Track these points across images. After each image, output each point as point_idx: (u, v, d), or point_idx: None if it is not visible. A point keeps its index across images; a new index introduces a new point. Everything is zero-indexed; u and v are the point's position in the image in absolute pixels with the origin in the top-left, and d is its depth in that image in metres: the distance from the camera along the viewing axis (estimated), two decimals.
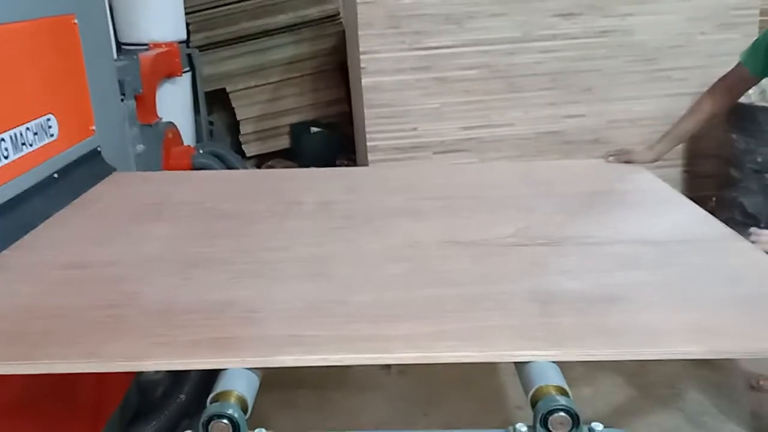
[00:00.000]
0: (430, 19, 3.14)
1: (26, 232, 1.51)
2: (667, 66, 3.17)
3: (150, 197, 1.80)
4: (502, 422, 2.29)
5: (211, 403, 0.94)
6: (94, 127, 1.97)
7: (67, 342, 1.06)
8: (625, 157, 2.06)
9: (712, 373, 2.46)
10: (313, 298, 1.19)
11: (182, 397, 2.09)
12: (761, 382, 2.28)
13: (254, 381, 1.00)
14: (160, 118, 3.29)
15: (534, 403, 0.94)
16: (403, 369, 2.53)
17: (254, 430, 0.93)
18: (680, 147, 3.28)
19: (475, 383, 2.45)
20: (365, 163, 3.56)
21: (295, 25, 4.76)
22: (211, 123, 4.62)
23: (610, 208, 1.69)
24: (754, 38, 2.12)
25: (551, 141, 3.31)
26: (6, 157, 1.51)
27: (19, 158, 1.57)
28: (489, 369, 2.47)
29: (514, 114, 3.30)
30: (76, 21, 1.90)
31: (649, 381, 2.44)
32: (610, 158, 2.08)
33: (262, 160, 5.00)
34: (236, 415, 0.91)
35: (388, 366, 2.51)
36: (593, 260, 1.34)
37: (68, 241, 1.50)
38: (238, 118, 4.88)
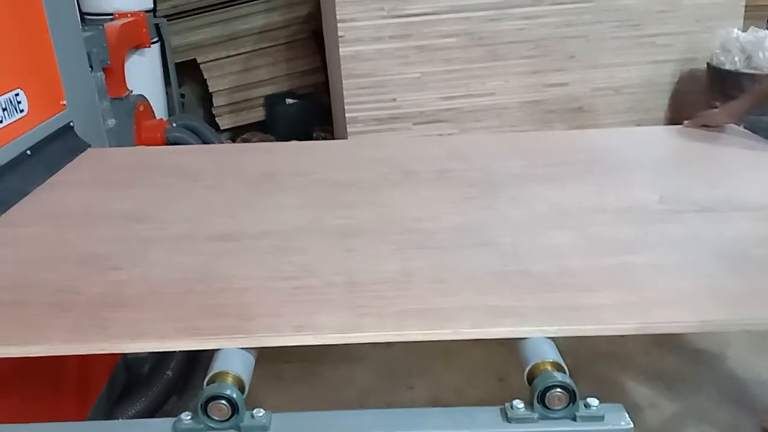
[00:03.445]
0: None
1: (3, 211, 1.44)
2: (651, 32, 3.15)
3: (255, 168, 1.73)
4: (486, 394, 2.33)
5: (207, 384, 0.91)
6: (65, 102, 1.88)
7: (274, 313, 1.04)
8: (701, 121, 2.03)
9: (688, 341, 2.49)
10: (493, 268, 1.17)
11: (169, 373, 2.06)
12: None
13: (250, 361, 0.99)
14: (131, 91, 3.17)
15: (531, 380, 0.93)
16: (389, 341, 2.52)
17: (252, 409, 0.91)
18: (662, 115, 3.29)
19: (458, 354, 2.46)
20: (343, 136, 3.50)
21: None
22: (182, 95, 4.48)
23: (734, 170, 1.65)
24: (742, 3, 2.09)
25: (533, 110, 3.29)
26: None
27: None
28: (469, 339, 2.47)
29: (495, 83, 3.26)
30: None
31: (627, 350, 2.47)
32: (686, 123, 2.05)
33: (236, 133, 4.88)
34: (234, 396, 0.89)
35: None
36: (759, 224, 1.31)
37: (200, 213, 1.45)
38: (210, 90, 4.74)
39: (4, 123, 1.57)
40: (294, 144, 2.18)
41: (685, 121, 2.06)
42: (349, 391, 2.32)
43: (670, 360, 2.41)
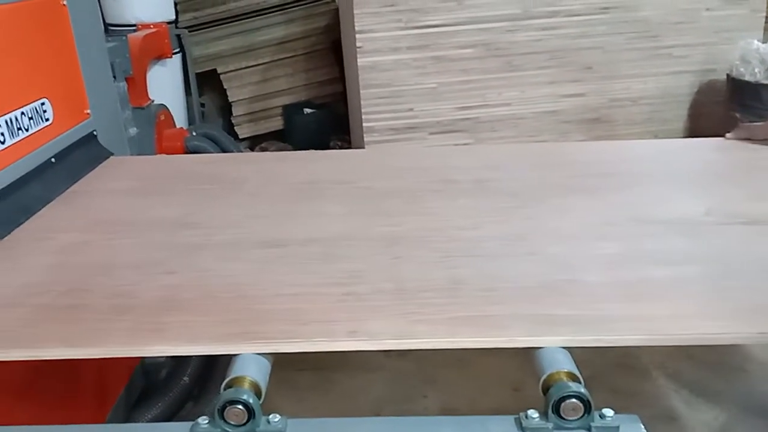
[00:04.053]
0: None
1: (27, 217, 1.47)
2: (669, 43, 3.14)
3: (296, 176, 1.75)
4: (500, 404, 2.33)
5: (224, 389, 0.92)
6: (88, 111, 1.92)
7: (327, 318, 1.05)
8: (745, 134, 2.01)
9: (707, 354, 2.46)
10: (543, 278, 1.16)
11: (185, 379, 2.09)
12: None
13: (266, 366, 0.99)
14: (152, 101, 3.22)
15: (545, 390, 0.93)
16: (403, 350, 2.53)
17: (268, 414, 0.92)
18: (680, 126, 3.27)
19: (472, 364, 2.45)
20: (360, 145, 3.52)
21: (285, 4, 4.67)
22: (202, 105, 4.54)
23: None
24: (762, 14, 2.08)
25: (549, 120, 3.28)
26: (2, 142, 1.47)
27: (16, 143, 1.53)
28: (483, 349, 2.47)
29: (511, 93, 3.27)
30: (65, 2, 1.83)
31: (645, 362, 2.45)
32: (729, 135, 2.04)
33: (254, 142, 4.94)
34: (251, 401, 0.90)
35: None
36: None
37: (245, 220, 1.46)
38: (230, 100, 4.80)
39: (30, 131, 1.60)
40: (330, 152, 2.20)
41: (728, 134, 2.03)
42: (362, 400, 2.33)
43: (690, 373, 2.38)
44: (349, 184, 1.68)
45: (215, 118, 4.87)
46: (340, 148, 4.50)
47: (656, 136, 3.36)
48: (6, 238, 1.40)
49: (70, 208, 1.58)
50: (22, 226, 1.45)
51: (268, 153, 2.28)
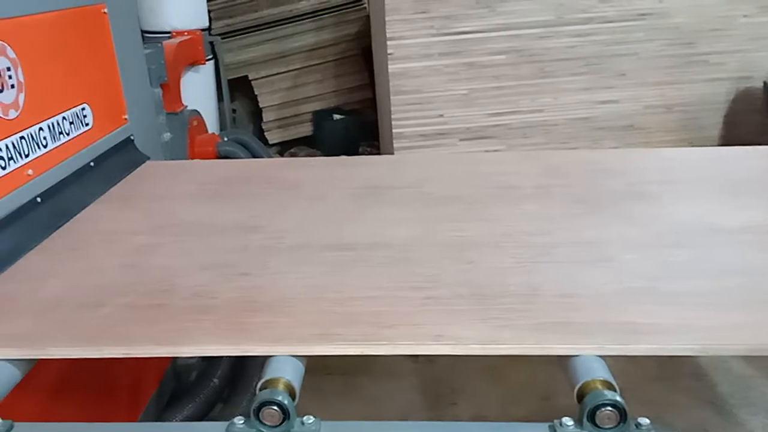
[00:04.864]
0: (459, 3, 3.08)
1: (67, 219, 1.50)
2: (704, 50, 3.09)
3: (352, 181, 1.76)
4: (531, 412, 2.30)
5: (260, 390, 0.94)
6: (126, 116, 1.95)
7: (410, 322, 1.05)
8: None
9: (745, 366, 2.41)
10: (619, 285, 1.15)
11: (215, 381, 2.10)
12: None
13: (300, 368, 1.00)
14: (185, 106, 3.27)
15: (580, 398, 0.92)
16: (431, 356, 2.52)
17: (302, 416, 0.93)
18: (716, 134, 3.21)
19: (501, 372, 2.43)
20: (390, 150, 3.53)
21: (316, 11, 4.72)
22: (233, 110, 4.59)
23: None
24: None
25: (582, 127, 3.25)
26: (45, 146, 1.51)
27: (57, 147, 1.56)
28: (514, 358, 2.45)
29: (543, 100, 3.24)
30: (105, 10, 1.88)
31: (679, 372, 2.40)
32: None
33: (284, 148, 4.98)
34: (286, 402, 0.91)
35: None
36: None
37: (311, 223, 1.48)
38: (260, 106, 4.85)
39: (71, 135, 1.64)
40: (384, 157, 2.20)
41: None
42: (390, 406, 2.32)
43: (726, 384, 2.33)
44: (408, 189, 1.68)
45: (246, 124, 4.92)
46: (369, 154, 4.52)
47: (691, 144, 3.30)
48: (77, 240, 1.43)
49: (133, 211, 1.60)
50: (89, 228, 1.49)
51: (320, 158, 2.28)
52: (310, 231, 1.43)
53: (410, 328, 1.03)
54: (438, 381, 2.45)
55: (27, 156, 1.44)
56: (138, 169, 1.89)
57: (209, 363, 2.15)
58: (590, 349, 0.98)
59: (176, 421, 2.00)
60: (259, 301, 1.13)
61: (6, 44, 1.39)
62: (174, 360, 2.13)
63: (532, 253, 1.29)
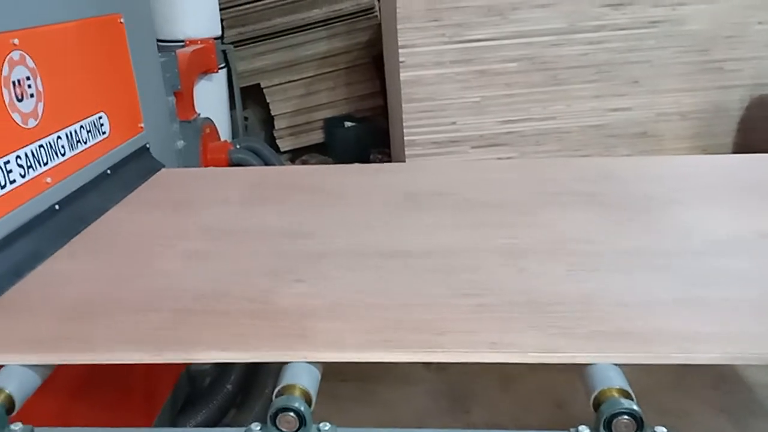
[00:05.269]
0: (472, 11, 3.09)
1: (85, 226, 1.52)
2: (719, 57, 3.08)
3: (391, 187, 1.75)
4: (544, 420, 2.29)
5: (276, 396, 0.94)
6: (142, 124, 1.97)
7: (464, 329, 1.05)
8: None
9: (759, 373, 2.39)
10: (675, 293, 1.15)
11: (229, 387, 2.11)
12: None
13: (316, 375, 1.01)
14: (198, 114, 3.29)
15: (597, 406, 0.92)
16: (444, 364, 2.52)
17: (318, 423, 0.93)
18: (730, 141, 3.19)
19: (514, 380, 2.42)
20: (401, 158, 3.53)
21: (329, 19, 4.74)
22: (245, 118, 4.62)
23: None
24: None
25: (595, 134, 3.25)
26: (63, 154, 1.53)
27: (75, 155, 1.58)
28: (526, 365, 2.45)
29: (556, 107, 3.24)
30: (122, 20, 1.90)
31: (696, 381, 2.39)
32: None
33: (295, 155, 5.00)
34: (302, 409, 0.91)
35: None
36: None
37: (356, 230, 1.47)
38: (272, 114, 4.88)
39: (89, 144, 1.66)
40: (421, 164, 2.19)
41: None
42: (405, 413, 2.32)
43: (740, 393, 2.31)
44: (449, 196, 1.67)
45: (258, 131, 4.95)
46: (380, 161, 4.53)
47: (705, 151, 3.28)
48: (125, 244, 1.44)
49: (179, 216, 1.61)
50: (132, 232, 1.50)
51: (356, 165, 2.28)
52: (358, 237, 1.43)
53: (465, 335, 1.03)
54: (451, 388, 2.45)
55: (45, 164, 1.46)
56: (154, 176, 1.90)
57: (223, 368, 2.16)
58: (651, 357, 0.98)
59: (190, 426, 2.01)
60: (315, 306, 1.14)
61: (26, 54, 1.41)
62: (188, 365, 2.14)
63: (582, 261, 1.28)
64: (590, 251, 1.32)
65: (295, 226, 1.50)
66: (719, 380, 2.38)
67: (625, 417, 0.88)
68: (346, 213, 1.58)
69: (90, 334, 1.08)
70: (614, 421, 0.89)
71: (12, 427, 0.93)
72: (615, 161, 2.40)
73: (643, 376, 2.32)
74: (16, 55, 1.38)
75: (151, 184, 1.85)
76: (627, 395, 0.92)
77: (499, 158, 3.29)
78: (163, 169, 1.98)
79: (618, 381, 0.94)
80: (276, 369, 1.02)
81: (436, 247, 1.37)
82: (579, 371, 1.00)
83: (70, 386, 1.43)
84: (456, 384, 2.46)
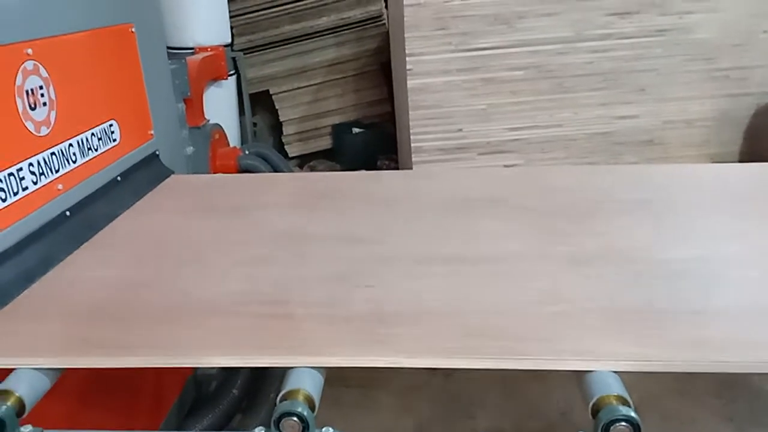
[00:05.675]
0: (478, 20, 3.11)
1: (95, 232, 1.55)
2: (726, 65, 3.08)
3: (442, 193, 1.75)
4: (548, 427, 2.29)
5: (280, 401, 0.96)
6: (152, 132, 2.00)
7: (542, 336, 1.05)
8: None
9: (763, 380, 2.38)
10: (747, 301, 1.15)
11: (235, 392, 2.11)
12: None
13: (319, 380, 1.02)
14: (207, 120, 3.32)
15: (595, 413, 0.93)
16: (449, 370, 2.52)
17: (321, 428, 0.95)
18: (737, 149, 3.19)
19: (518, 387, 2.42)
20: (408, 165, 3.55)
21: (337, 27, 4.77)
22: (254, 124, 4.65)
23: None
24: None
25: (601, 142, 3.25)
26: (74, 162, 1.55)
27: (86, 162, 1.61)
28: (530, 372, 2.45)
29: (562, 115, 3.25)
30: (133, 30, 1.93)
31: (699, 388, 2.38)
32: None
33: (303, 161, 5.03)
34: (305, 413, 0.93)
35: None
36: None
37: (412, 236, 1.47)
38: (281, 120, 4.91)
39: (99, 151, 1.68)
40: (466, 171, 2.18)
41: None
42: (407, 419, 2.32)
43: (745, 401, 2.31)
44: (502, 203, 1.66)
45: (266, 137, 4.98)
46: (388, 167, 4.54)
47: (712, 159, 3.28)
48: (191, 248, 1.45)
49: (242, 222, 1.61)
50: (191, 239, 1.51)
51: (400, 171, 2.27)
52: (418, 243, 1.42)
53: (544, 344, 1.03)
54: (455, 394, 2.45)
55: (57, 171, 1.48)
56: (163, 182, 1.93)
57: (229, 373, 2.18)
58: (732, 366, 0.98)
59: (196, 430, 2.02)
60: (387, 312, 1.14)
61: (39, 64, 1.44)
62: (195, 369, 2.16)
63: (648, 269, 1.27)
64: (655, 259, 1.31)
65: (348, 232, 1.49)
66: (725, 387, 2.38)
67: (623, 424, 0.90)
68: (401, 218, 1.57)
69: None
70: (612, 427, 0.90)
71: (22, 429, 0.95)
72: (665, 168, 2.33)
73: (649, 382, 2.32)
74: (29, 65, 1.41)
75: (161, 191, 1.88)
76: (625, 402, 0.93)
77: (506, 165, 3.30)
78: (172, 176, 2.01)
79: (616, 388, 0.95)
80: (281, 375, 1.03)
81: (498, 253, 1.35)
82: (578, 379, 1.01)
83: (78, 389, 1.45)
84: (460, 390, 2.47)
